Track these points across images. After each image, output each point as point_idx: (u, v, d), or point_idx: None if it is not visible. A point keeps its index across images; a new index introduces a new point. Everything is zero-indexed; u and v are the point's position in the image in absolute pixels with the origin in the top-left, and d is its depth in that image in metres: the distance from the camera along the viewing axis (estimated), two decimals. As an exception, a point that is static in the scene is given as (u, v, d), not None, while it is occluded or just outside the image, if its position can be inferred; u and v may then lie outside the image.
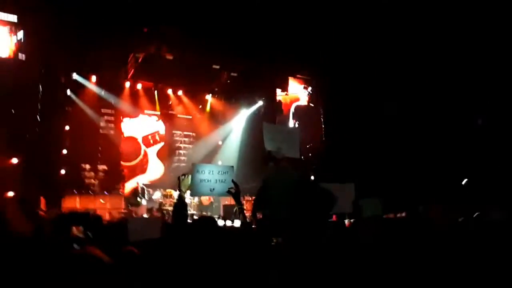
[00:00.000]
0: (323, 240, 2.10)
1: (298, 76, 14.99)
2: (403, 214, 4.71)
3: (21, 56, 9.73)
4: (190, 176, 4.30)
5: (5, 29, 9.89)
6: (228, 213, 5.37)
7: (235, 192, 3.28)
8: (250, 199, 11.66)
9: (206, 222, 2.75)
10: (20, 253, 2.48)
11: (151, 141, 14.07)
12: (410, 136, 10.04)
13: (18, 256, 2.43)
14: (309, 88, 14.80)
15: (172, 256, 2.64)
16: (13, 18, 9.89)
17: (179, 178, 3.98)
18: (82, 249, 2.16)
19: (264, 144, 3.24)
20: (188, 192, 8.26)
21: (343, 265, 2.08)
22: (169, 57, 12.01)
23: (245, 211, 3.32)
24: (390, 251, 2.58)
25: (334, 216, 5.17)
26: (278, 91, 14.52)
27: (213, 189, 3.53)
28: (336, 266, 2.04)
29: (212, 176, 3.56)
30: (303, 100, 14.99)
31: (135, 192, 11.52)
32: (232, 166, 4.02)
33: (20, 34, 9.82)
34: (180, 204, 3.38)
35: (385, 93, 10.79)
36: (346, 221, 5.19)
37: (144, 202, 11.54)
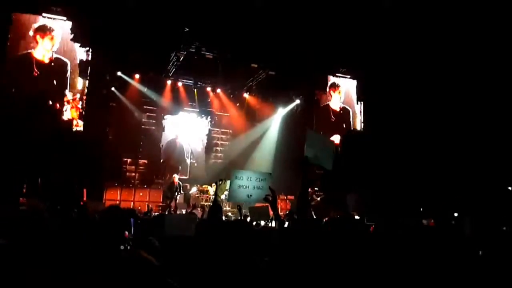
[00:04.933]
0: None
1: (337, 75, 14.79)
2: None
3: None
4: (227, 182, 4.44)
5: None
6: (254, 214, 5.40)
7: (272, 199, 3.33)
8: (285, 198, 11.71)
9: (240, 224, 2.82)
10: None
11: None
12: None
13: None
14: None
15: (205, 254, 2.72)
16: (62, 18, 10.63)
17: (216, 183, 4.07)
18: (132, 251, 2.30)
19: (305, 150, 3.32)
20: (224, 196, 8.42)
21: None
22: (209, 56, 12.23)
23: (279, 211, 3.39)
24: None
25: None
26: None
27: (251, 195, 3.60)
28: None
29: (250, 182, 3.62)
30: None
31: (171, 187, 11.83)
32: (270, 173, 4.06)
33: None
34: (215, 208, 3.48)
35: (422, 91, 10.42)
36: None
37: (179, 196, 11.83)
